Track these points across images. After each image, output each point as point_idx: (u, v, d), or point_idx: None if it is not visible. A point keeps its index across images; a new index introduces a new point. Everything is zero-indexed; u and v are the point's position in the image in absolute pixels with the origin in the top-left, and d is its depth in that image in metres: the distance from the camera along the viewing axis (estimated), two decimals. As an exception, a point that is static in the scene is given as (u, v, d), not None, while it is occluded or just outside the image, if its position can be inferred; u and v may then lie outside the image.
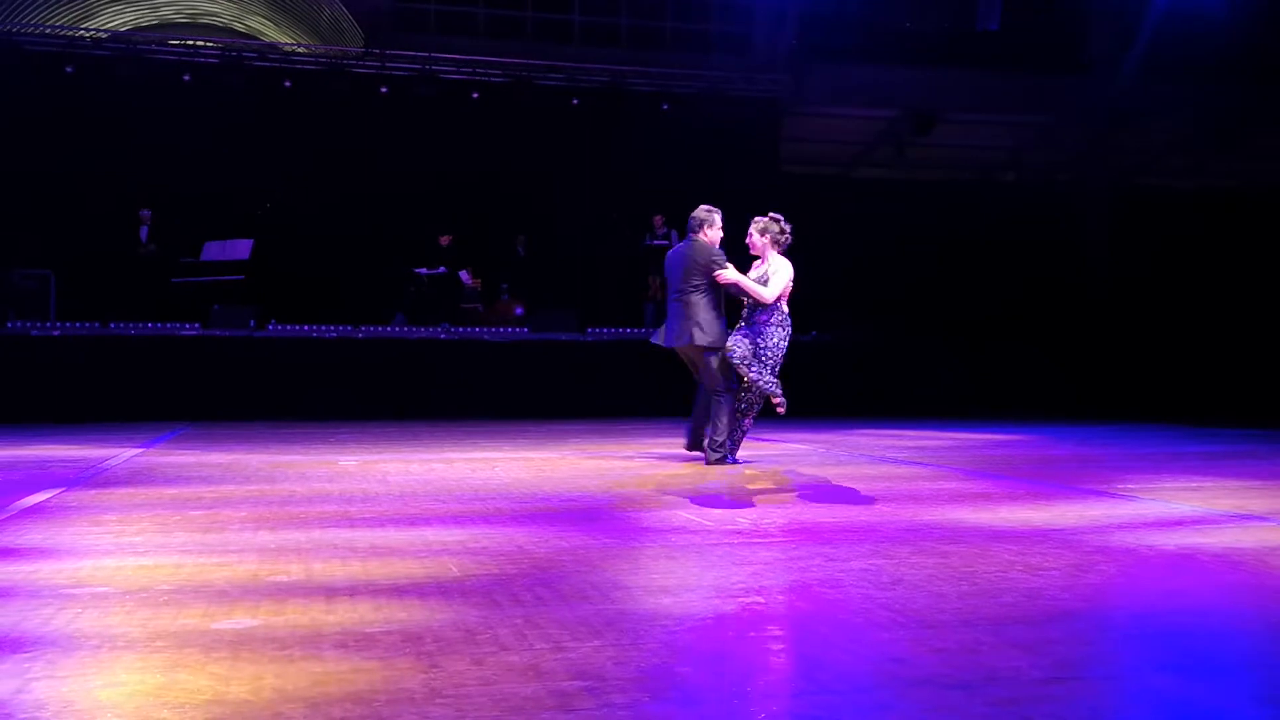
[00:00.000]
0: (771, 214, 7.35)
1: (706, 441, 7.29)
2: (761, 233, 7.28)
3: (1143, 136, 19.30)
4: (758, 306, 7.16)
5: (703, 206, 7.42)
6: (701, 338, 7.14)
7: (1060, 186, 19.68)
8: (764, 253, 7.28)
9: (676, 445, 7.85)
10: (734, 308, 7.40)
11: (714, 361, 7.17)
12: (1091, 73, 18.27)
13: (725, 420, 7.21)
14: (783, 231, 7.30)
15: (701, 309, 7.19)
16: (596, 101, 16.78)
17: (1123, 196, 19.02)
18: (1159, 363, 15.53)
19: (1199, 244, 18.11)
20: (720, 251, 7.32)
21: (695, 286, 7.21)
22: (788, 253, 7.40)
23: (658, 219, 15.29)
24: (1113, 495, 5.80)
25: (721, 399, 7.20)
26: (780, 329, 7.18)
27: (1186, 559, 3.97)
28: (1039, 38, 18.03)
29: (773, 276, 7.15)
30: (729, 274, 7.16)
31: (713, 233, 7.37)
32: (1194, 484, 6.42)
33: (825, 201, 17.75)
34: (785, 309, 7.25)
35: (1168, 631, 3.03)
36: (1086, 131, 19.03)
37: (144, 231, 14.30)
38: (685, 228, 7.53)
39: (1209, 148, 19.72)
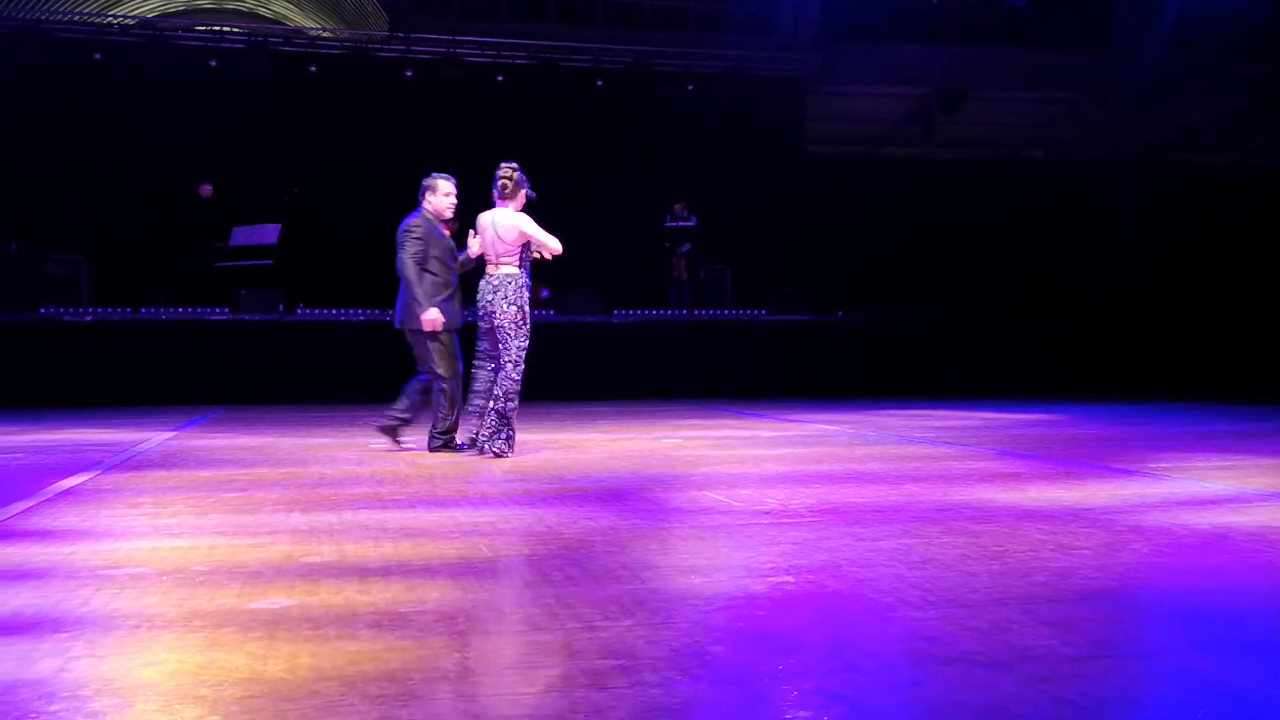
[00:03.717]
0: (508, 163, 6.75)
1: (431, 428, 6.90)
2: (515, 186, 6.65)
3: (1175, 113, 19.05)
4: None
5: (433, 174, 6.96)
6: (411, 321, 6.73)
7: (1091, 163, 19.47)
8: (516, 207, 6.67)
9: (704, 427, 7.87)
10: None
11: (432, 345, 6.75)
12: (1121, 49, 18.04)
13: (447, 406, 6.81)
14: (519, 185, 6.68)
15: (413, 287, 6.68)
16: (621, 83, 16.73)
17: (1154, 173, 18.80)
18: (1190, 340, 15.37)
19: (1231, 221, 17.88)
20: (412, 225, 6.73)
21: (406, 261, 6.71)
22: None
23: (678, 206, 15.22)
24: (1145, 474, 5.76)
25: (437, 384, 6.81)
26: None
27: (1221, 538, 3.94)
28: (1067, 14, 17.83)
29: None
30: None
31: (435, 199, 6.86)
32: (1227, 463, 6.36)
33: (851, 181, 17.67)
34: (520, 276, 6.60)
35: (1202, 611, 3.01)
36: (1117, 108, 18.80)
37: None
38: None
39: (1242, 124, 19.44)
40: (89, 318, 12.75)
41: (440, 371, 6.79)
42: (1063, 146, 20.04)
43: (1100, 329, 15.70)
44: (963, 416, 10.31)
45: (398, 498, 5.01)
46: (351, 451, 7.20)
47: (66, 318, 12.68)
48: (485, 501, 4.87)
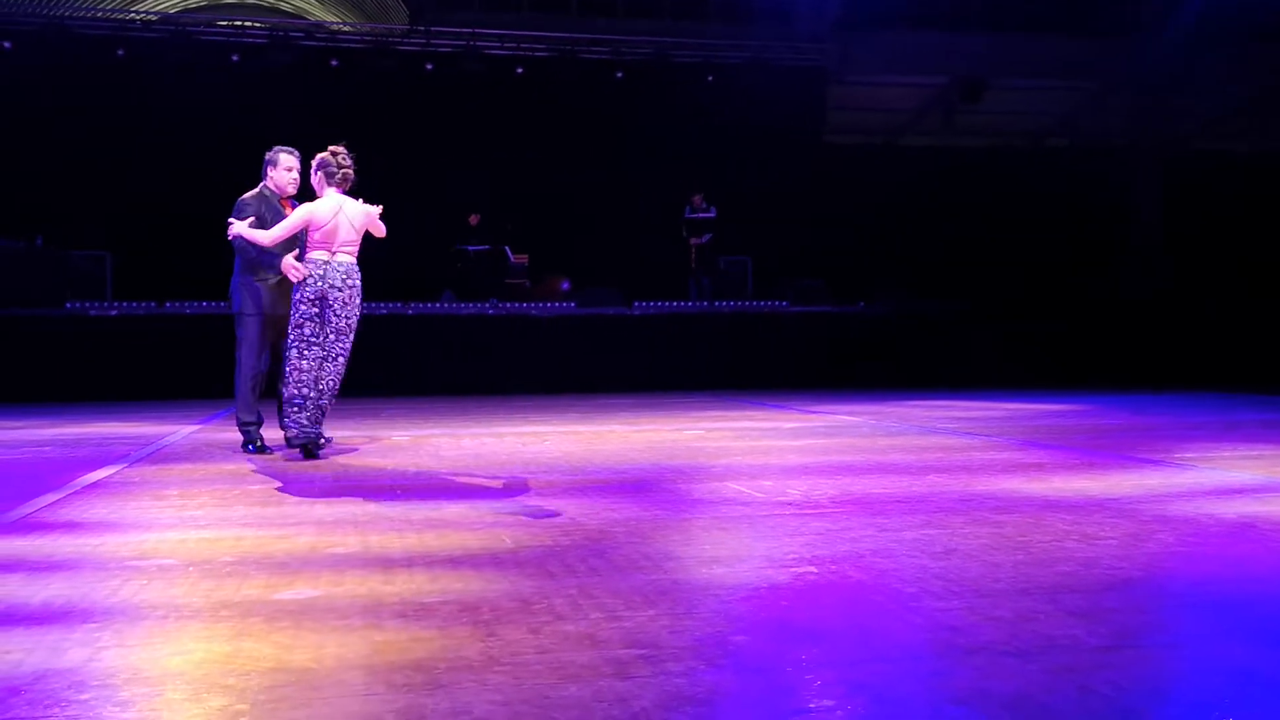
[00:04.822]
0: (333, 147, 6.31)
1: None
2: (315, 169, 6.25)
3: (1197, 100, 18.88)
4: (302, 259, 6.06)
5: (275, 147, 6.62)
6: (236, 304, 6.41)
7: (1113, 152, 19.32)
8: (320, 190, 6.22)
9: (725, 418, 7.87)
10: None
11: (247, 325, 6.38)
12: (1144, 36, 17.89)
13: (244, 392, 6.44)
14: (339, 166, 6.22)
15: (237, 268, 6.40)
16: (640, 74, 16.72)
17: (1176, 161, 18.64)
18: (1214, 329, 15.24)
19: (1254, 208, 17.72)
20: (243, 203, 6.36)
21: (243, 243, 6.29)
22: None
23: (697, 198, 15.20)
24: (1169, 464, 5.72)
25: (240, 364, 6.44)
26: (299, 287, 5.97)
27: (1247, 527, 3.91)
28: (1088, 1, 17.68)
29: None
30: (235, 228, 6.17)
31: (276, 174, 6.54)
32: (1253, 452, 6.31)
33: (871, 172, 17.60)
34: (324, 256, 6.02)
35: (1228, 600, 2.99)
36: (1139, 96, 18.65)
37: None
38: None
39: (1265, 111, 19.25)
40: (114, 312, 12.83)
41: (247, 361, 6.44)
42: (1085, 135, 19.88)
43: (1123, 319, 15.58)
44: (985, 407, 10.26)
45: (420, 489, 5.03)
46: (374, 444, 7.24)
47: (92, 312, 12.77)
48: (508, 493, 4.89)
